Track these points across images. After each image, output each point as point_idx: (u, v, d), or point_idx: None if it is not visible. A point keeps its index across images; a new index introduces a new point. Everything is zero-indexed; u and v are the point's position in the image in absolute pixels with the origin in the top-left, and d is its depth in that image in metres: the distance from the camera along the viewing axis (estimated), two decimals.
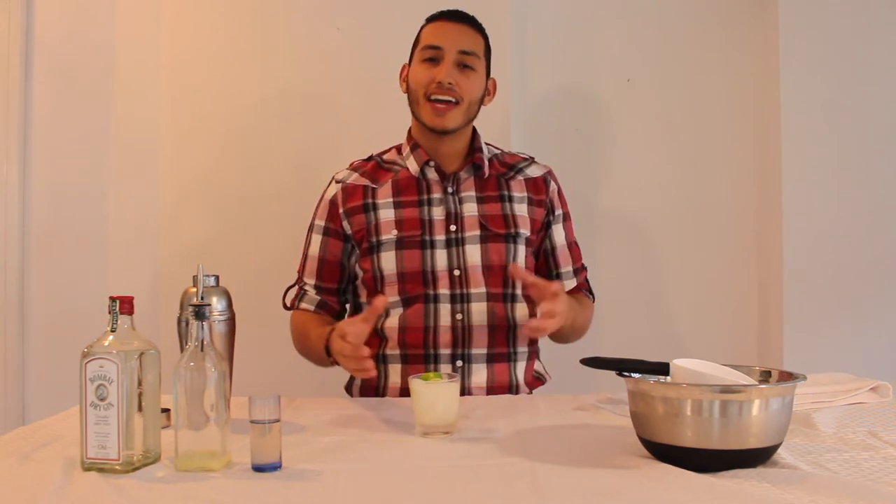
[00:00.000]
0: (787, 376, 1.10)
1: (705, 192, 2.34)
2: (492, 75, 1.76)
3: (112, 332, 1.07)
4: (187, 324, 1.25)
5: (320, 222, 1.74)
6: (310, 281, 1.73)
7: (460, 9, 1.74)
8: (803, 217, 2.22)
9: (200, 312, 1.08)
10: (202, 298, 1.29)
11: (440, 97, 1.64)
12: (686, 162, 2.34)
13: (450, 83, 1.63)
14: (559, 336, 1.72)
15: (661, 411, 1.03)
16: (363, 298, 1.74)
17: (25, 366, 2.32)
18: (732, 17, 2.34)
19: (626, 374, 1.13)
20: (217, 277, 1.37)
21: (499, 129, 2.20)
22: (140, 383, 1.06)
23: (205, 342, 1.07)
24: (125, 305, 1.09)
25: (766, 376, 1.14)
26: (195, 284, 1.31)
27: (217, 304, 1.33)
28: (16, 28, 2.29)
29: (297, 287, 1.75)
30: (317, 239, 1.74)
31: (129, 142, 2.33)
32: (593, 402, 1.47)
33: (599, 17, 2.35)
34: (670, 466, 1.02)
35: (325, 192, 1.76)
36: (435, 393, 1.24)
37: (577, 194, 2.28)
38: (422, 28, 1.72)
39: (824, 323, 2.23)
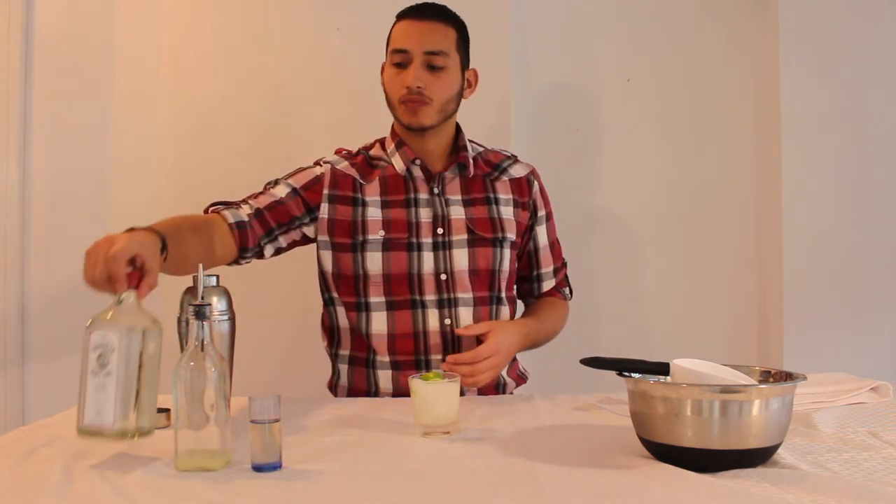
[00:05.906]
0: (787, 376, 1.10)
1: (705, 193, 2.34)
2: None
3: (118, 304, 1.08)
4: (187, 324, 1.25)
5: (294, 184, 1.65)
6: (252, 203, 1.61)
7: (450, 6, 1.68)
8: (803, 217, 2.22)
9: (200, 312, 1.08)
10: (202, 298, 1.29)
11: (411, 99, 1.61)
12: (686, 162, 2.34)
13: (418, 87, 1.59)
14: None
15: (661, 411, 1.03)
16: (335, 293, 1.67)
17: (25, 366, 2.31)
18: (732, 17, 2.34)
19: (626, 374, 1.13)
20: (217, 277, 1.37)
21: (499, 128, 2.21)
22: (141, 356, 1.07)
23: (205, 342, 1.07)
24: (133, 279, 1.10)
25: (766, 376, 1.14)
26: (195, 284, 1.31)
27: (217, 304, 1.34)
28: (16, 27, 2.29)
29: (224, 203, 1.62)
30: (284, 189, 1.64)
31: (129, 140, 2.33)
32: (593, 402, 1.47)
33: (599, 17, 2.35)
34: (670, 466, 1.02)
35: (309, 167, 1.70)
36: (435, 393, 1.24)
37: (576, 194, 2.29)
38: (393, 25, 1.67)
39: (824, 323, 2.23)
